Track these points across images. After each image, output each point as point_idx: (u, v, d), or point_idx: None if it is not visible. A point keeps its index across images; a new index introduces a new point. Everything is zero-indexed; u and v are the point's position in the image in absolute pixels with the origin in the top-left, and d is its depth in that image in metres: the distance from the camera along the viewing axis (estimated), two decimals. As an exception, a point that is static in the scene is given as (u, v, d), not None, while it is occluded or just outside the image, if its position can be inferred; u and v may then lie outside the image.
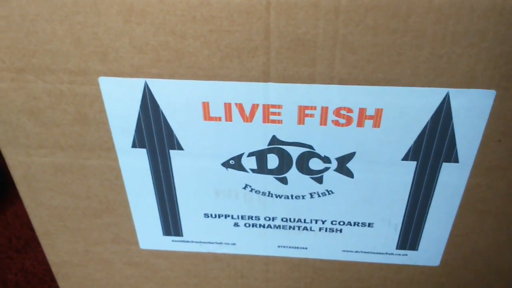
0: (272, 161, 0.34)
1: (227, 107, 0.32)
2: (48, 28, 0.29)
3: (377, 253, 0.39)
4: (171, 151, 0.35)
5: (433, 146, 0.32)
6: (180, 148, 0.34)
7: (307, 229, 0.39)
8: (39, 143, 0.35)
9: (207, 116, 0.32)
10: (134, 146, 0.34)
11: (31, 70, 0.31)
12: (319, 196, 0.36)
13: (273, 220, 0.38)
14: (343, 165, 0.34)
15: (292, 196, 0.36)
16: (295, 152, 0.34)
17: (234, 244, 0.40)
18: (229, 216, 0.38)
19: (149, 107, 0.32)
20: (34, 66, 0.31)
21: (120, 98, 0.32)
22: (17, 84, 0.32)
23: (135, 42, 0.29)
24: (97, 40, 0.29)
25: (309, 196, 0.36)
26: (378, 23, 0.27)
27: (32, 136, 0.35)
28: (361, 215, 0.37)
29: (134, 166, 0.36)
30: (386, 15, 0.27)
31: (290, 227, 0.39)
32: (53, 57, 0.30)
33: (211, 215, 0.38)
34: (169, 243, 0.41)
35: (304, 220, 0.38)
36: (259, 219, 0.38)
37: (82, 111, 0.33)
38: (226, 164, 0.35)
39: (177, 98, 0.32)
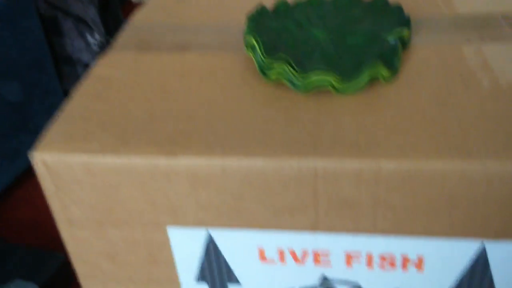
0: (322, 295, 0.37)
1: (280, 252, 0.35)
2: (127, 193, 0.34)
3: None
4: (229, 284, 0.38)
5: None
6: (237, 282, 0.38)
7: None
8: (113, 278, 0.39)
9: (262, 258, 0.36)
10: (197, 280, 0.38)
11: (110, 223, 0.36)
12: (367, 325, 0.39)
13: None
14: (389, 300, 0.36)
15: (342, 324, 0.39)
16: (343, 288, 0.37)
17: None
18: None
19: (212, 251, 0.36)
20: (113, 220, 0.36)
21: (186, 244, 0.36)
22: (97, 233, 0.37)
23: (200, 202, 0.34)
24: (167, 201, 0.34)
25: (358, 324, 0.39)
26: (414, 190, 0.31)
27: (108, 273, 0.39)
28: None
29: (197, 297, 0.39)
30: (422, 184, 0.30)
31: None
32: (129, 213, 0.35)
33: (266, 338, 0.41)
34: None
35: None
36: None
37: (153, 253, 0.37)
38: (280, 297, 0.38)
39: (236, 244, 0.36)
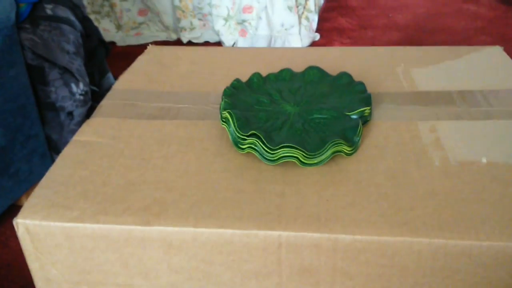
0: None
1: (247, 314, 0.38)
2: (102, 256, 0.36)
3: None
4: None
5: None
6: None
7: None
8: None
9: (229, 320, 0.38)
10: None
11: (86, 283, 0.38)
12: None
13: None
14: None
15: None
16: None
17: None
18: None
19: (181, 312, 0.38)
20: (88, 281, 0.38)
21: (157, 305, 0.38)
22: (73, 292, 0.39)
23: (172, 266, 0.36)
24: (141, 264, 0.36)
25: None
26: (369, 260, 0.34)
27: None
28: None
29: None
30: (375, 255, 0.33)
31: None
32: (105, 274, 0.37)
33: None
34: None
35: None
36: None
37: (125, 313, 0.39)
38: None
39: (205, 306, 0.38)
